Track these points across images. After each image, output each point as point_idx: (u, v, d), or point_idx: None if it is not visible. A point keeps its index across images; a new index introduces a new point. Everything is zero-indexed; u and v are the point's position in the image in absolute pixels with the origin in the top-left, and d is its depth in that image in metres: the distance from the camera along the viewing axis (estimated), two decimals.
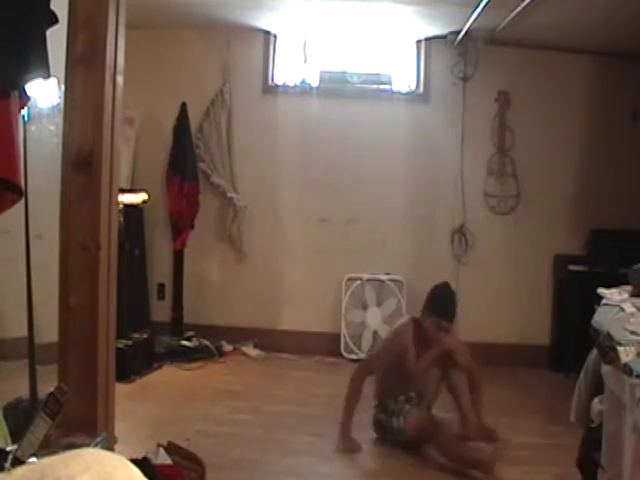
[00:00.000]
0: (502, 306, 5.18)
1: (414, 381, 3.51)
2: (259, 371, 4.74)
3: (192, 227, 5.20)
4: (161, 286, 5.35)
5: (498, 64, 5.16)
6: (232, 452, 3.22)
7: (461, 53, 5.15)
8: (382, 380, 3.57)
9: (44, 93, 2.93)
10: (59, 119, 2.27)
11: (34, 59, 1.86)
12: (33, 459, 1.61)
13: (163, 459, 2.31)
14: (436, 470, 3.16)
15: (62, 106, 2.23)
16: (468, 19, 4.48)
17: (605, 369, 2.36)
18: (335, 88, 5.32)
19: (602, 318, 2.43)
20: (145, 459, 2.06)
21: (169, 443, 2.48)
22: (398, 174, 5.26)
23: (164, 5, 4.62)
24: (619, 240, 4.82)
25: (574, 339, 4.31)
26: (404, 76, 5.30)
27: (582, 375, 2.75)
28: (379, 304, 5.17)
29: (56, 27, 2.01)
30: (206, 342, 4.95)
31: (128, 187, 5.01)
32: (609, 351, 2.24)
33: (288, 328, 5.26)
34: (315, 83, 5.31)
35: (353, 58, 5.36)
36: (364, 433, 3.56)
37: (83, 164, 2.17)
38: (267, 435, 3.48)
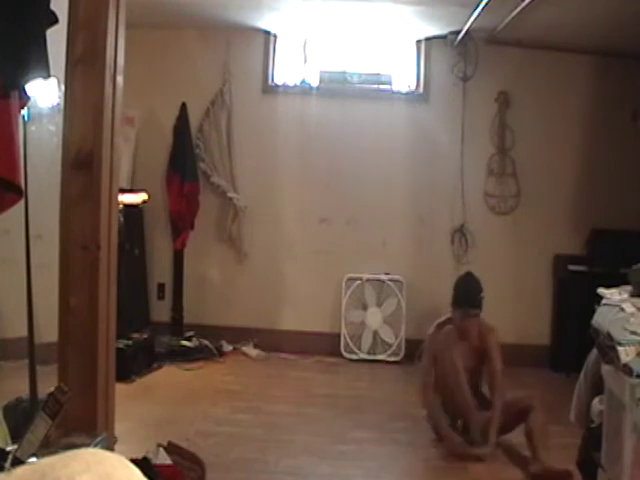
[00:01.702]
0: (502, 306, 5.16)
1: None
2: (259, 371, 4.74)
3: (192, 227, 5.20)
4: (161, 286, 5.35)
5: (498, 64, 5.16)
6: (232, 452, 3.22)
7: (461, 53, 5.14)
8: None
9: (44, 93, 2.93)
10: (59, 119, 2.27)
11: (34, 59, 1.87)
12: (33, 459, 1.61)
13: (163, 459, 2.31)
14: (437, 470, 3.16)
15: (62, 106, 2.23)
16: (468, 19, 4.48)
17: (605, 369, 2.36)
18: (335, 88, 5.32)
19: (602, 318, 2.43)
20: (145, 459, 2.07)
21: (169, 443, 2.48)
22: (398, 174, 5.26)
23: (164, 5, 4.62)
24: (619, 240, 4.81)
25: (574, 339, 4.31)
26: (404, 76, 5.30)
27: (582, 375, 2.76)
28: (379, 304, 5.17)
29: (56, 27, 2.01)
30: (206, 342, 4.95)
31: (128, 187, 5.01)
32: (609, 351, 2.24)
33: (288, 328, 5.25)
34: (315, 83, 5.31)
35: (353, 58, 5.36)
36: (364, 433, 3.57)
37: (83, 164, 2.17)
38: (267, 435, 3.49)
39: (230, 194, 5.24)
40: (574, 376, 3.00)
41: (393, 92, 5.31)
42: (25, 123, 2.47)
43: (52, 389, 1.78)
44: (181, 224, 5.17)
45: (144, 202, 5.08)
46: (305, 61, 5.31)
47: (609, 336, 2.25)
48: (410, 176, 5.25)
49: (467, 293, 3.50)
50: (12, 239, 3.05)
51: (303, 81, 5.31)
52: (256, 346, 5.12)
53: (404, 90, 5.30)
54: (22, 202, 2.09)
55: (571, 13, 4.26)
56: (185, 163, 5.12)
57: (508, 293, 5.18)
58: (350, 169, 5.26)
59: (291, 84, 5.33)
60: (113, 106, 2.23)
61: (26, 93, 1.93)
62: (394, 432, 3.59)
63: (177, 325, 5.19)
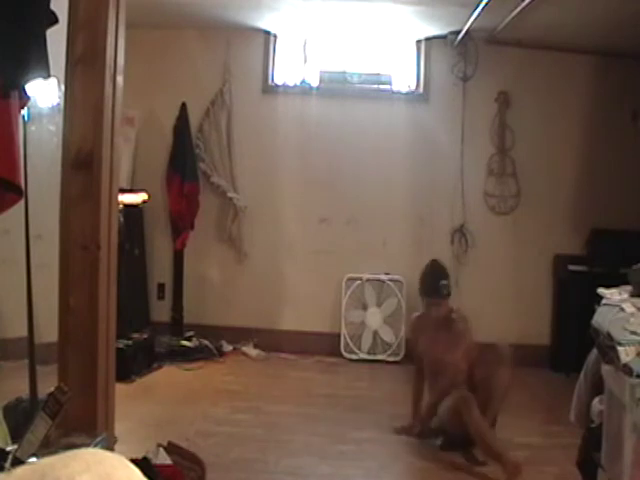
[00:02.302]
0: (502, 306, 5.17)
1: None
2: (259, 371, 4.74)
3: (192, 227, 5.20)
4: (161, 286, 5.35)
5: (498, 64, 5.15)
6: (232, 452, 3.22)
7: (461, 53, 5.14)
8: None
9: (44, 93, 2.93)
10: (59, 119, 2.27)
11: (34, 59, 1.87)
12: (33, 459, 1.61)
13: (163, 459, 2.31)
14: (438, 470, 3.16)
15: (62, 106, 2.23)
16: (468, 19, 4.48)
17: (605, 369, 2.36)
18: (335, 88, 5.32)
19: (602, 318, 2.43)
20: (145, 459, 2.07)
21: (169, 443, 2.48)
22: (398, 174, 5.26)
23: (164, 5, 4.62)
24: (619, 240, 4.81)
25: (574, 339, 4.31)
26: (404, 76, 5.30)
27: (582, 375, 2.75)
28: (379, 304, 5.17)
29: (56, 27, 2.01)
30: (206, 342, 4.95)
31: (128, 187, 5.01)
32: (609, 351, 2.24)
33: (288, 328, 5.25)
34: (315, 83, 5.31)
35: (353, 58, 5.36)
36: (364, 433, 3.57)
37: (83, 164, 2.17)
38: (267, 435, 3.49)
39: (230, 194, 5.24)
40: (574, 376, 3.00)
41: (393, 92, 5.31)
42: (25, 123, 2.47)
43: (52, 389, 1.78)
44: (181, 224, 5.17)
45: (144, 202, 5.08)
46: (305, 61, 5.31)
47: (609, 336, 2.25)
48: (410, 176, 5.25)
49: (428, 283, 3.55)
50: (12, 239, 3.05)
51: (303, 81, 5.31)
52: (256, 346, 5.12)
53: (404, 90, 5.30)
54: (22, 202, 2.09)
55: (571, 13, 4.26)
56: (185, 163, 5.12)
57: (508, 293, 5.19)
58: (350, 169, 5.25)
59: (291, 84, 5.32)
60: (113, 106, 2.23)
61: (26, 93, 1.94)
62: (394, 432, 3.59)
63: (177, 325, 5.19)
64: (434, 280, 3.53)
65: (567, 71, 5.14)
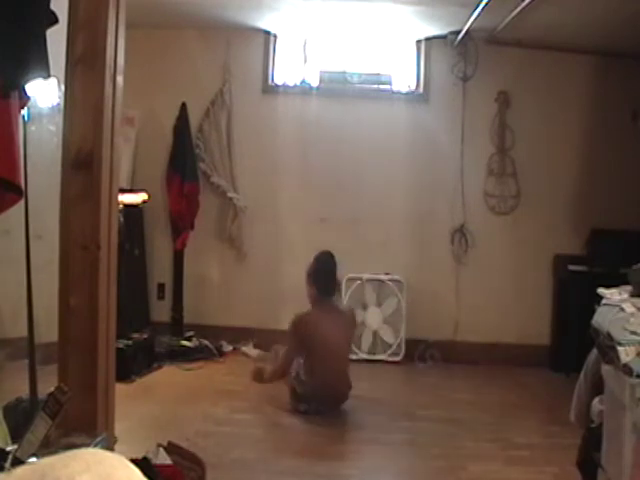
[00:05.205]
0: (502, 306, 5.17)
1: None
2: None
3: (192, 227, 5.20)
4: (161, 286, 5.35)
5: (498, 64, 5.16)
6: (232, 452, 3.21)
7: (461, 53, 5.14)
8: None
9: (44, 93, 2.93)
10: (59, 119, 2.27)
11: (34, 59, 1.87)
12: (33, 459, 1.61)
13: (163, 459, 2.31)
14: (437, 470, 3.16)
15: (62, 106, 2.23)
16: (468, 19, 4.48)
17: (605, 369, 2.36)
18: (335, 88, 5.32)
19: (602, 318, 2.43)
20: (145, 459, 2.07)
21: (169, 443, 2.48)
22: (398, 174, 5.26)
23: (164, 5, 4.62)
24: (619, 240, 4.81)
25: (574, 339, 4.31)
26: (404, 76, 5.30)
27: (582, 375, 2.75)
28: (379, 304, 5.17)
29: (56, 27, 2.01)
30: (206, 342, 4.95)
31: (128, 187, 5.01)
32: (609, 351, 2.25)
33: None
34: (315, 83, 5.31)
35: (353, 58, 5.36)
36: (364, 433, 3.56)
37: (83, 164, 2.17)
38: (267, 435, 3.48)
39: (230, 194, 5.24)
40: (574, 376, 3.00)
41: (393, 92, 5.31)
42: (25, 123, 2.47)
43: (52, 389, 1.78)
44: (181, 224, 5.17)
45: (144, 202, 5.08)
46: (305, 61, 5.31)
47: (609, 336, 2.25)
48: (410, 176, 5.25)
49: (326, 282, 3.96)
50: (12, 239, 3.05)
51: (303, 81, 5.31)
52: (256, 346, 5.11)
53: (404, 90, 5.30)
54: (22, 202, 2.09)
55: (571, 13, 4.27)
56: (185, 163, 5.12)
57: (508, 293, 5.19)
58: (350, 169, 5.25)
59: (291, 84, 5.32)
60: (113, 106, 2.23)
61: (26, 93, 1.94)
62: (394, 432, 3.59)
63: (177, 325, 5.19)
64: (332, 281, 3.98)
65: (567, 71, 5.15)
